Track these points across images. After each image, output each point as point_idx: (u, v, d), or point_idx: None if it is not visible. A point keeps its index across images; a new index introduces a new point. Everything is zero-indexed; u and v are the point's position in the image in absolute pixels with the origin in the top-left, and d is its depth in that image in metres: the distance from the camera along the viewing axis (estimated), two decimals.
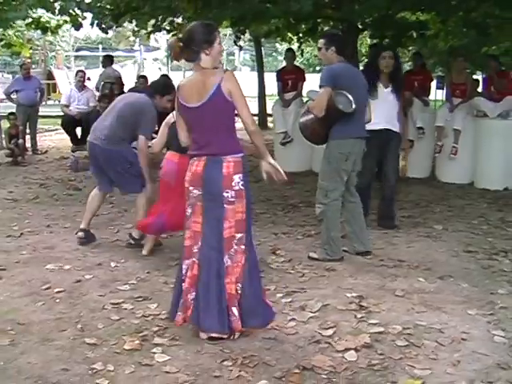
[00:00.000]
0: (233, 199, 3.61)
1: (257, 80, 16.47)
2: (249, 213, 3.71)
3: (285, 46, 32.77)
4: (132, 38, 36.57)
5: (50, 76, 27.31)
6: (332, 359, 3.43)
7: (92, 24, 9.68)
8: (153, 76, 12.32)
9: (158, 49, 39.36)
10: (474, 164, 8.77)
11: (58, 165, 10.50)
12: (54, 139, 14.49)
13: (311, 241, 5.85)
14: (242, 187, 3.62)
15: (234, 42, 12.78)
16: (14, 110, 11.58)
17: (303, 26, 11.82)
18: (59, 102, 24.66)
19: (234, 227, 3.63)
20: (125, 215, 6.83)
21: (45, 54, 28.60)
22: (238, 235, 3.64)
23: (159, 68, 39.11)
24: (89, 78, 31.19)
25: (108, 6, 9.57)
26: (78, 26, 10.98)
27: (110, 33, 38.05)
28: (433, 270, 5.03)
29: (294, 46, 14.35)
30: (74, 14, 10.75)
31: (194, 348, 3.56)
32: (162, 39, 34.69)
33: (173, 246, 5.54)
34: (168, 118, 5.19)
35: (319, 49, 5.38)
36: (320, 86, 5.20)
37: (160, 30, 13.61)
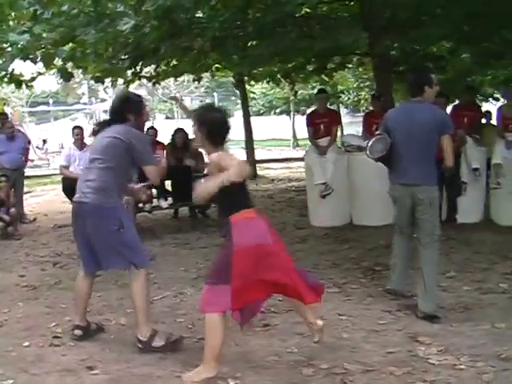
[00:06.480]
0: None
1: (242, 124, 15.50)
2: None
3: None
4: (80, 91, 35.25)
5: None
6: None
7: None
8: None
9: (106, 100, 38.13)
10: None
11: (58, 235, 9.13)
12: (30, 203, 12.96)
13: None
14: None
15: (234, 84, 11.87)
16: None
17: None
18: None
19: None
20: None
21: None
22: None
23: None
24: (44, 141, 28.44)
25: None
26: (67, 77, 9.80)
27: (57, 86, 36.66)
28: None
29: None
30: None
31: None
32: (111, 90, 33.43)
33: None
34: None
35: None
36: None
37: (140, 79, 12.71)
